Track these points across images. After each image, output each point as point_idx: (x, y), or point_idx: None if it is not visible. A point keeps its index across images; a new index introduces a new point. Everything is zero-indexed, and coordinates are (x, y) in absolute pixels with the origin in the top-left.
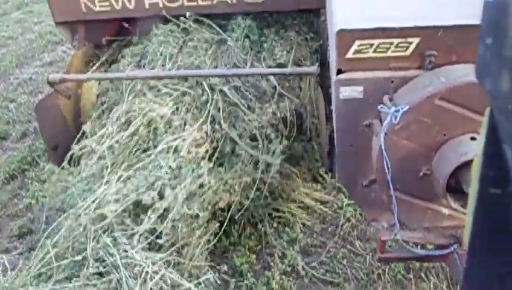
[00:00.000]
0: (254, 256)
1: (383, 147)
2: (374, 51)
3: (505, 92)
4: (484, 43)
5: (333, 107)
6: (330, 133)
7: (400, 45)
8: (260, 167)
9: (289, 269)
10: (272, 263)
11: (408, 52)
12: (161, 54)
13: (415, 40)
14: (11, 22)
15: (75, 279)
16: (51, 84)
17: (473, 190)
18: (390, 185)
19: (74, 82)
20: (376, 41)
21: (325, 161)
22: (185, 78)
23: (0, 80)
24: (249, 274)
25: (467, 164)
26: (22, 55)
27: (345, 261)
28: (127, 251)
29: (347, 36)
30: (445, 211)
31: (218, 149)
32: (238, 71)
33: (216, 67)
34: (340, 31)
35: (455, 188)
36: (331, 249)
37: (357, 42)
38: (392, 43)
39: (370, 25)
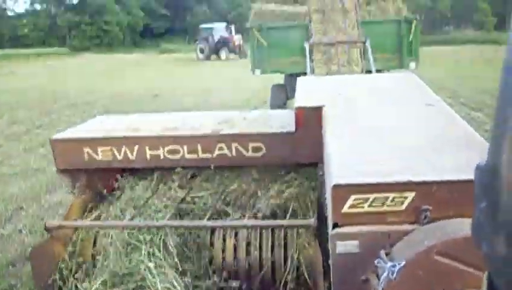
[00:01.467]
0: None
1: None
2: (370, 205)
3: (501, 256)
4: (478, 206)
5: (330, 261)
6: (328, 288)
7: (395, 199)
8: None
9: None
10: None
11: (403, 207)
12: (157, 204)
13: (410, 195)
14: (38, 156)
15: None
16: (48, 230)
17: None
18: None
19: (71, 229)
20: (371, 196)
21: None
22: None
23: (33, 201)
24: None
25: None
26: (50, 183)
27: None
28: None
29: (343, 191)
30: None
31: None
32: (233, 223)
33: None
34: (335, 186)
35: None
36: None
37: (353, 197)
38: (387, 198)
39: (365, 179)
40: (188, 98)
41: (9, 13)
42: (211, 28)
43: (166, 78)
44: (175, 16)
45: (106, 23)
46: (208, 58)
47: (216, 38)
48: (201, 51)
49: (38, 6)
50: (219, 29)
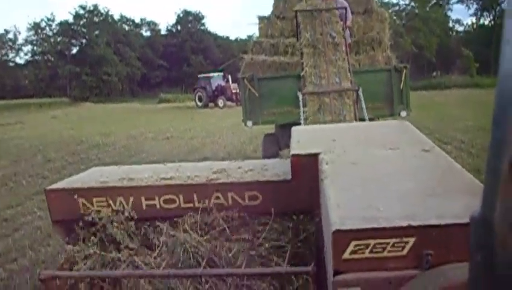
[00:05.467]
0: None
1: None
2: (371, 252)
3: None
4: (474, 260)
5: None
6: None
7: (396, 244)
8: None
9: None
10: None
11: (404, 252)
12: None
13: (411, 240)
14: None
15: None
16: (42, 281)
17: None
18: None
19: (66, 279)
20: (372, 242)
21: None
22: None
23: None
24: None
25: None
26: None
27: None
28: None
29: (343, 237)
30: None
31: None
32: (232, 271)
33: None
34: (336, 232)
35: None
36: None
37: (353, 243)
38: (388, 243)
39: (365, 225)
40: (196, 140)
41: (11, 64)
42: (209, 77)
43: (171, 124)
44: (172, 66)
45: (105, 73)
46: (206, 106)
47: (214, 86)
48: (200, 99)
49: (39, 58)
50: (216, 78)
